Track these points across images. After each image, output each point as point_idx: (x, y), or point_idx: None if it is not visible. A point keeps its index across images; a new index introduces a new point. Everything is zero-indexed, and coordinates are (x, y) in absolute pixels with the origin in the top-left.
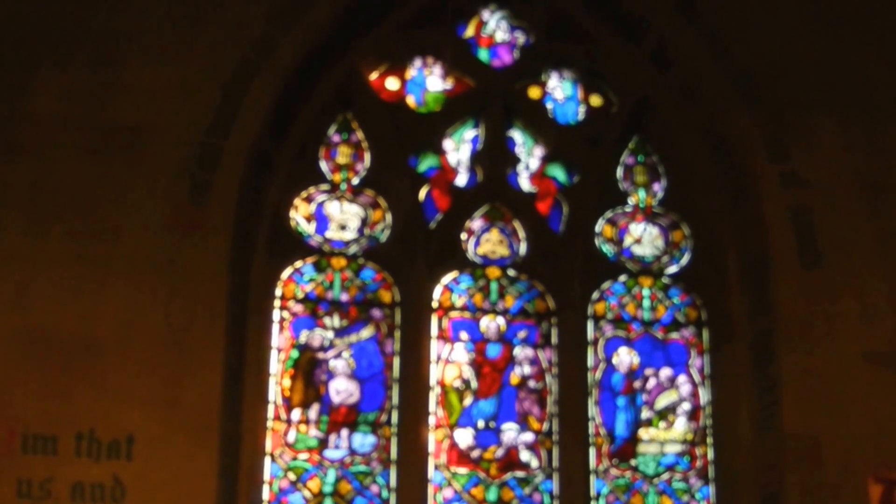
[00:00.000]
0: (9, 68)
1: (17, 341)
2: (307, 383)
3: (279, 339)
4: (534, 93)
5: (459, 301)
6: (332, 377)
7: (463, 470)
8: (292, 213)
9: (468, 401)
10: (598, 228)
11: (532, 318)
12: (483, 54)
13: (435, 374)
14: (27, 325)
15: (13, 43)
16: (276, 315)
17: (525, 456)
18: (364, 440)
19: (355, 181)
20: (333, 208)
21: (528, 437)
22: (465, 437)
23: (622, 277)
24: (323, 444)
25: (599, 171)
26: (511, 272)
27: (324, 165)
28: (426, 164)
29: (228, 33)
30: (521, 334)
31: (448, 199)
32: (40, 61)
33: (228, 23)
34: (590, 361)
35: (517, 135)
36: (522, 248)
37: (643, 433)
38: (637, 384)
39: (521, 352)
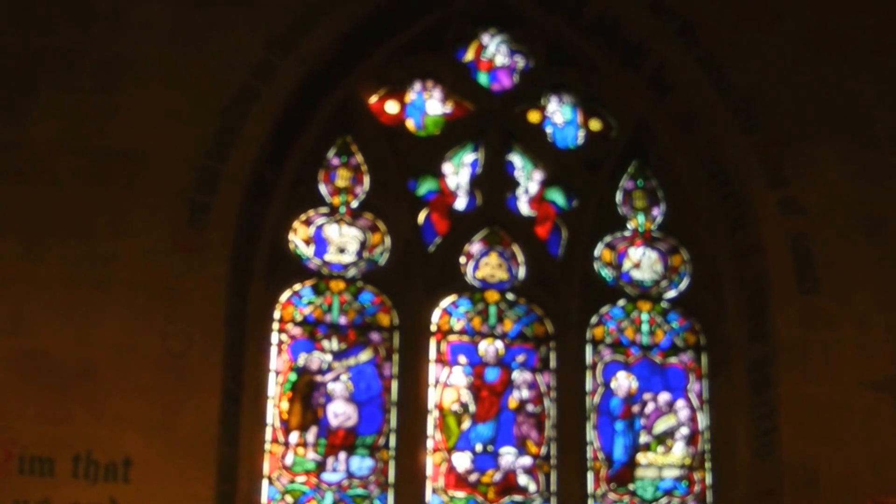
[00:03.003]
0: (9, 92)
1: (14, 364)
2: (305, 406)
3: (277, 362)
4: (533, 117)
5: (458, 325)
6: (331, 400)
7: (461, 494)
8: (291, 237)
9: (466, 424)
10: (596, 253)
11: (530, 342)
12: (483, 78)
13: (433, 397)
14: (25, 347)
15: (14, 67)
16: (274, 338)
17: (523, 480)
18: (362, 463)
19: (354, 204)
20: (332, 231)
21: (526, 461)
22: (463, 460)
23: (621, 302)
24: (321, 467)
25: (598, 196)
26: (510, 296)
27: (323, 189)
28: (425, 187)
29: (228, 59)
30: (520, 358)
31: (447, 222)
32: (40, 85)
33: (228, 49)
34: (588, 385)
35: (516, 159)
36: (521, 273)
37: (641, 458)
38: (635, 409)
39: (519, 376)
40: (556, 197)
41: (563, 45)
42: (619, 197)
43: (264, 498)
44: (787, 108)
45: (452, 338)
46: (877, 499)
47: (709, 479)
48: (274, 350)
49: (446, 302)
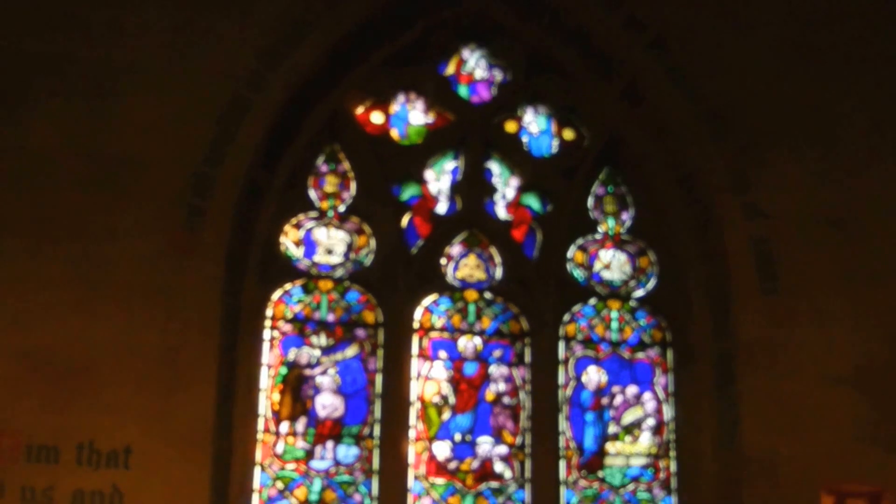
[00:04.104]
0: (9, 99)
1: (20, 359)
2: (295, 398)
3: (269, 356)
4: (510, 127)
5: (439, 322)
6: (319, 392)
7: (441, 480)
8: (282, 239)
9: (446, 415)
10: (569, 254)
11: (507, 339)
12: (463, 90)
13: (415, 390)
14: (29, 344)
15: (13, 74)
16: (266, 334)
17: (499, 467)
18: (348, 452)
19: (342, 209)
20: (321, 234)
21: (502, 449)
22: (442, 449)
23: (592, 301)
24: (309, 455)
25: (571, 201)
26: (487, 295)
27: (312, 194)
28: (408, 192)
29: (222, 70)
30: (497, 353)
31: (429, 226)
32: (39, 93)
33: (222, 60)
34: (561, 379)
35: (494, 166)
36: (498, 273)
37: (610, 447)
38: (605, 401)
39: (496, 370)
40: (532, 202)
41: (539, 58)
42: (590, 202)
43: (256, 484)
44: (751, 118)
45: (433, 334)
46: (832, 486)
47: (673, 467)
48: (266, 345)
49: (428, 300)
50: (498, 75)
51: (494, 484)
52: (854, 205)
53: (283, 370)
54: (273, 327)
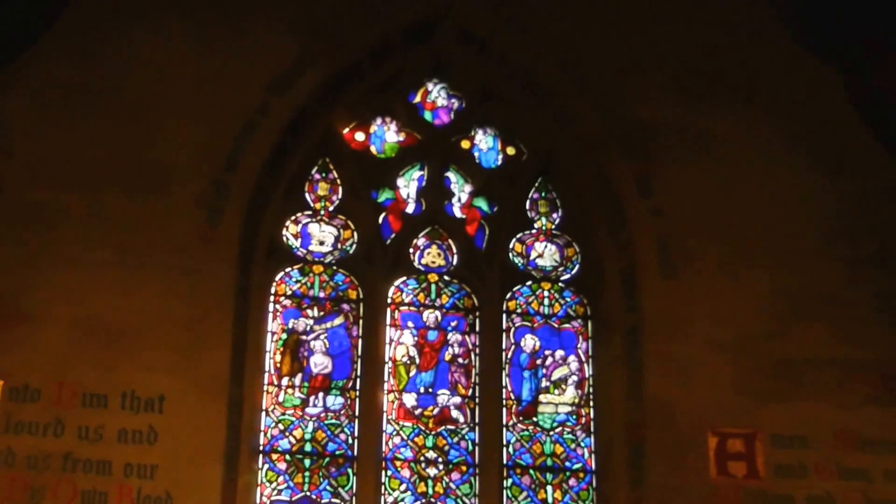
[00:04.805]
0: (69, 121)
1: (76, 325)
2: (293, 358)
3: (273, 325)
4: (465, 144)
5: (407, 298)
6: (312, 354)
7: (408, 424)
8: (284, 232)
9: (413, 372)
10: (511, 246)
11: (461, 312)
12: (427, 115)
13: (388, 352)
14: (84, 313)
15: (71, 100)
16: (270, 307)
17: (455, 414)
18: (335, 401)
19: (331, 209)
20: (314, 228)
21: (457, 399)
22: (410, 399)
23: (528, 282)
24: (304, 403)
25: (513, 204)
26: (446, 277)
27: (308, 197)
28: (384, 196)
29: (237, 98)
30: (453, 324)
31: (400, 222)
32: (92, 115)
33: (237, 90)
34: (504, 344)
35: (452, 175)
36: (455, 260)
37: (542, 398)
38: (538, 362)
39: (452, 337)
40: (481, 204)
41: (489, 89)
42: (527, 204)
43: (262, 426)
44: (657, 138)
45: (403, 308)
46: (716, 429)
47: (592, 414)
48: (270, 316)
49: (398, 281)
50: (455, 103)
51: (451, 426)
52: (734, 206)
53: (284, 336)
54: (276, 302)
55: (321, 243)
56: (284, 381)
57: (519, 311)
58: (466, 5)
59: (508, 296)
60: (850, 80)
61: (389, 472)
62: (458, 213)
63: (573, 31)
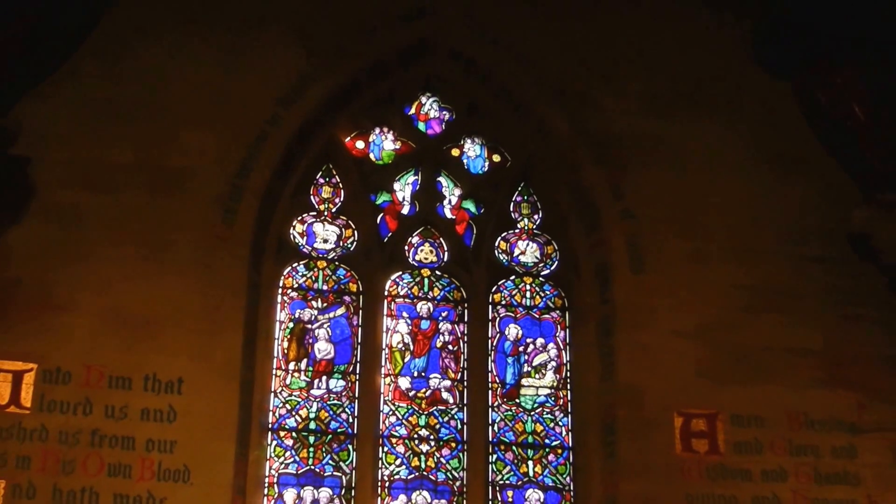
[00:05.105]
0: (98, 130)
1: (104, 314)
2: (299, 345)
3: (281, 314)
4: (455, 152)
5: (402, 291)
6: (316, 341)
7: (403, 404)
8: (291, 230)
9: (407, 358)
10: (496, 244)
11: (451, 304)
12: (421, 126)
13: (385, 339)
14: (111, 303)
15: (101, 112)
16: (279, 298)
17: (445, 395)
18: (337, 383)
19: (334, 210)
20: (319, 228)
21: (447, 383)
22: (404, 382)
23: (512, 277)
24: (309, 385)
25: (498, 206)
26: (438, 272)
27: (313, 199)
28: (382, 198)
29: (249, 110)
30: (444, 314)
31: (396, 222)
32: (124, 126)
33: (249, 103)
34: (490, 333)
35: (443, 180)
36: (446, 257)
37: (524, 381)
38: (521, 349)
39: (443, 326)
40: (470, 206)
41: (477, 103)
42: (511, 206)
43: (271, 405)
44: (625, 147)
45: (398, 300)
46: (681, 410)
47: (569, 396)
48: (279, 307)
49: (395, 275)
50: (446, 115)
51: (441, 407)
52: (696, 209)
53: (291, 325)
54: (284, 294)
55: (325, 241)
56: (291, 365)
57: (503, 302)
58: (456, 29)
59: (494, 289)
60: (800, 95)
61: (386, 448)
62: (448, 214)
63: (551, 53)
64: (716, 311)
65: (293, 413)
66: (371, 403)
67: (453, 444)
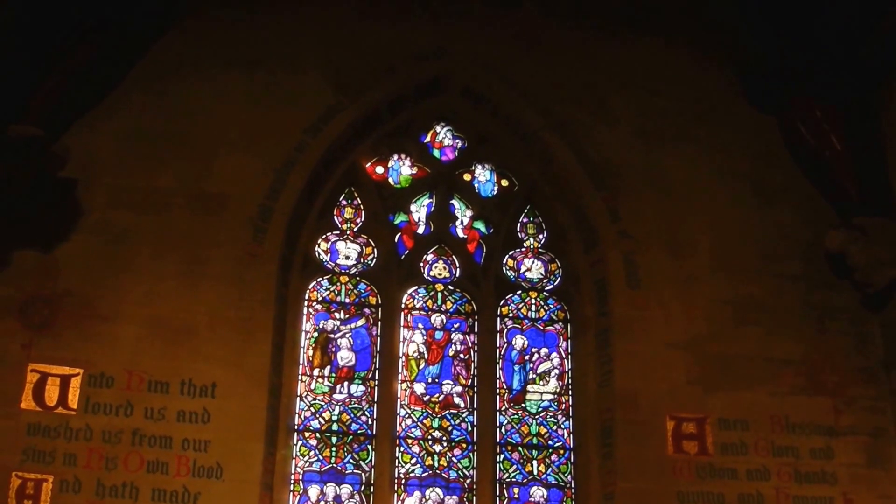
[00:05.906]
0: (141, 156)
1: (145, 323)
2: (323, 353)
3: (306, 325)
4: (466, 177)
5: (418, 304)
6: (339, 349)
7: (418, 408)
8: (316, 248)
9: (422, 366)
10: (504, 261)
11: (463, 316)
12: (436, 153)
13: (402, 349)
14: (152, 314)
15: (144, 140)
16: (304, 311)
17: (457, 400)
18: (357, 388)
19: (355, 229)
20: (342, 245)
21: (459, 388)
22: (419, 388)
23: (518, 292)
24: (332, 390)
25: (506, 226)
26: (450, 287)
27: (336, 219)
28: (399, 219)
29: (279, 138)
30: (456, 325)
31: (412, 241)
32: (166, 155)
33: (278, 132)
34: (498, 343)
35: (456, 203)
36: (458, 273)
37: (530, 387)
38: (526, 357)
39: (455, 336)
40: (480, 226)
41: (486, 132)
42: (518, 227)
43: (297, 408)
44: (622, 174)
45: (414, 312)
46: (673, 414)
47: (570, 401)
48: (304, 318)
49: (411, 290)
50: (459, 143)
51: (453, 411)
52: (686, 230)
53: (316, 334)
54: (309, 306)
55: (347, 258)
56: (316, 371)
57: (511, 315)
58: (467, 67)
59: (502, 303)
60: (783, 127)
61: (402, 448)
62: (460, 233)
63: (553, 88)
64: (705, 323)
65: (317, 415)
66: (389, 407)
67: (464, 445)
